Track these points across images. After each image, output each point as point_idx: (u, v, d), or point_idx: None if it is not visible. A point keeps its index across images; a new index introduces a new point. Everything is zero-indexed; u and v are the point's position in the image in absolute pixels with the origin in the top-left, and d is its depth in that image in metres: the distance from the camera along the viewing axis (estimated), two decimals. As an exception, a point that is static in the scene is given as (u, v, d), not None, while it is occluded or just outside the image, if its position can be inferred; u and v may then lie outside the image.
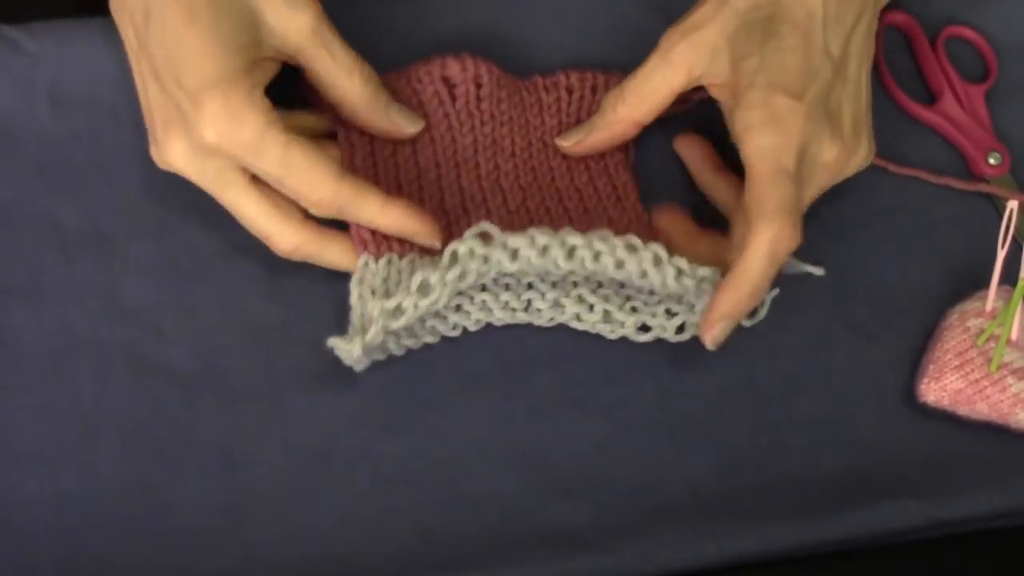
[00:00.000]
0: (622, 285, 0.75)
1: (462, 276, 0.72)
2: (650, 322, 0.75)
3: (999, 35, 0.86)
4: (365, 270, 0.74)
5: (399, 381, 0.74)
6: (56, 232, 0.76)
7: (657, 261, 0.72)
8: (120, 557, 0.70)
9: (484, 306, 0.75)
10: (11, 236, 0.76)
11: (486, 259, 0.71)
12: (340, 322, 0.75)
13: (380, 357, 0.74)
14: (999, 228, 0.76)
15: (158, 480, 0.71)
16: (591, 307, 0.76)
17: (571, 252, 0.72)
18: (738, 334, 0.75)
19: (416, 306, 0.71)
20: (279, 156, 0.70)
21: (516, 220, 0.77)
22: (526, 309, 0.76)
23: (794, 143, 0.71)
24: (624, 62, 0.82)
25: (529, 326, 0.76)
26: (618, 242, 0.72)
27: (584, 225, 0.75)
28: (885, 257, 0.80)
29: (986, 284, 0.77)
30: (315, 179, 0.71)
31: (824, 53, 0.73)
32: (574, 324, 0.76)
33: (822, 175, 0.74)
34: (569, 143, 0.79)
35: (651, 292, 0.75)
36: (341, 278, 0.76)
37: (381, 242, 0.74)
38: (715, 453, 0.74)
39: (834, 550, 0.73)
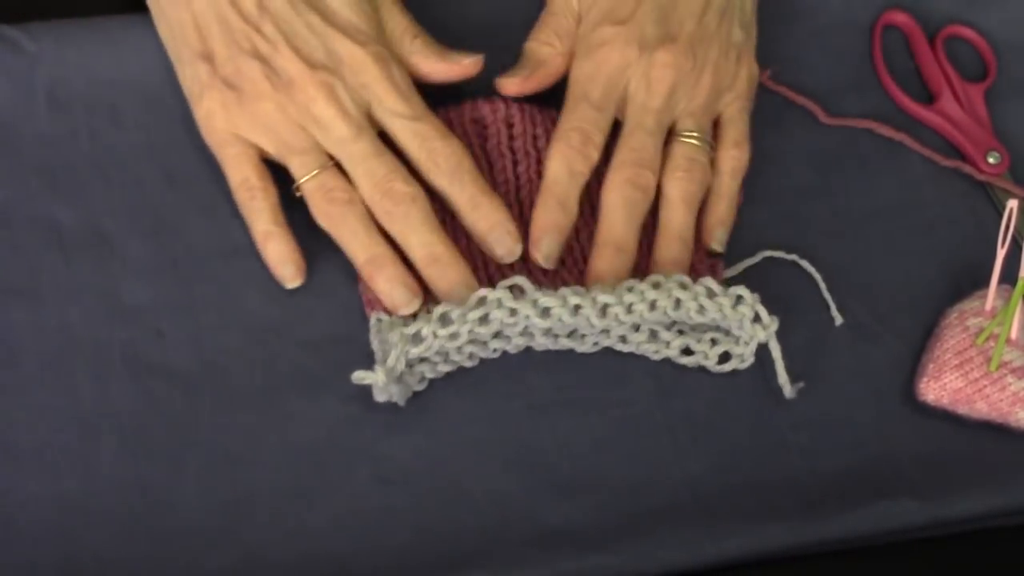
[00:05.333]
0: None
1: (485, 320, 0.72)
2: (694, 347, 0.75)
3: (998, 35, 0.86)
4: (379, 325, 0.74)
5: (399, 381, 0.74)
6: (55, 232, 0.76)
7: (683, 287, 0.73)
8: (120, 557, 0.69)
9: (526, 331, 0.74)
10: (10, 236, 0.76)
11: (513, 312, 0.72)
12: (339, 322, 0.75)
13: (419, 388, 0.74)
14: (998, 227, 0.76)
15: (158, 480, 0.71)
16: (636, 327, 0.75)
17: (604, 310, 0.72)
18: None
19: (436, 335, 0.71)
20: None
21: (561, 256, 0.76)
22: (569, 335, 0.75)
23: (603, 71, 0.77)
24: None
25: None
26: (644, 286, 0.72)
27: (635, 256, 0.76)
28: (884, 257, 0.80)
29: (985, 283, 0.77)
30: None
31: None
32: (619, 347, 0.75)
33: (659, 79, 0.77)
34: (512, 88, 0.79)
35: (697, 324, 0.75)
36: (340, 279, 0.76)
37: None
38: (715, 453, 0.74)
39: (834, 550, 0.73)
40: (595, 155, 0.76)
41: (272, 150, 0.75)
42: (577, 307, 0.72)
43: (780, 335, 0.74)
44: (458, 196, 0.75)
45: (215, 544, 0.70)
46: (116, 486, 0.71)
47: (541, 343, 0.75)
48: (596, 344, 0.75)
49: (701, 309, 0.73)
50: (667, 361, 0.76)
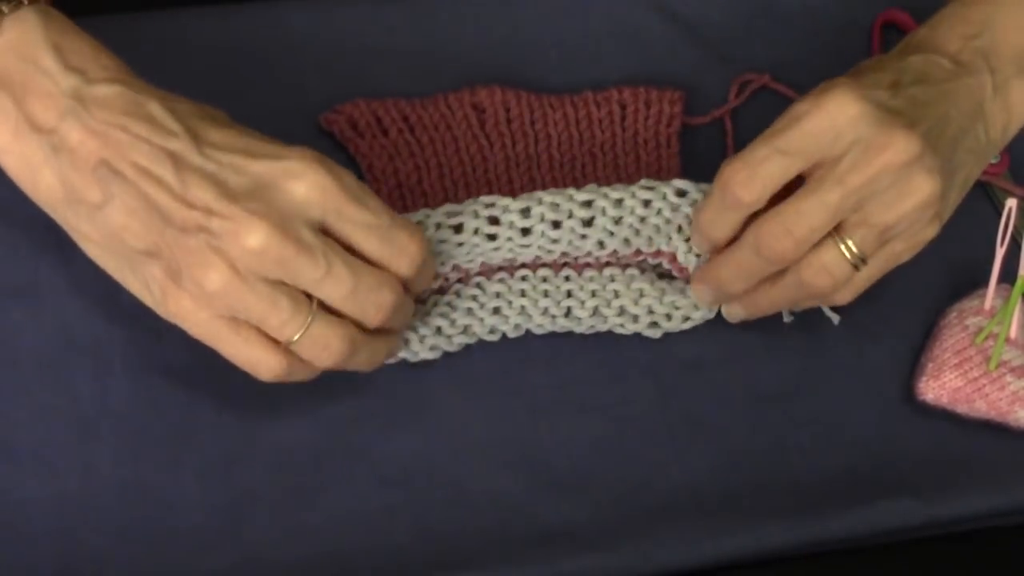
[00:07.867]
0: (656, 272, 0.76)
1: (459, 230, 0.72)
2: (656, 308, 0.75)
3: (998, 34, 0.86)
4: None
5: (398, 381, 0.74)
6: (54, 232, 0.76)
7: (679, 193, 0.73)
8: (120, 557, 0.70)
9: (523, 311, 0.75)
10: (10, 236, 0.76)
11: (493, 220, 0.72)
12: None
13: (410, 357, 0.74)
14: (997, 227, 0.76)
15: (158, 480, 0.71)
16: (635, 318, 0.75)
17: (588, 203, 0.73)
18: (739, 334, 0.75)
19: None
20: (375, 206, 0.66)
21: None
22: (566, 315, 0.75)
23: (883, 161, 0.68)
24: (623, 63, 0.82)
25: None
26: (636, 187, 0.73)
27: None
28: (884, 256, 0.80)
29: (985, 282, 0.77)
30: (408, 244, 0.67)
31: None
32: (618, 330, 0.76)
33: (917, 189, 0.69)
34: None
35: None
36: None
37: None
38: (715, 453, 0.74)
39: (834, 549, 0.73)
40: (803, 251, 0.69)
41: None
42: (555, 204, 0.72)
43: (780, 335, 0.75)
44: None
45: (215, 544, 0.70)
46: (116, 486, 0.71)
47: (539, 323, 0.75)
48: (592, 327, 0.75)
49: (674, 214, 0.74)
50: (667, 361, 0.76)
